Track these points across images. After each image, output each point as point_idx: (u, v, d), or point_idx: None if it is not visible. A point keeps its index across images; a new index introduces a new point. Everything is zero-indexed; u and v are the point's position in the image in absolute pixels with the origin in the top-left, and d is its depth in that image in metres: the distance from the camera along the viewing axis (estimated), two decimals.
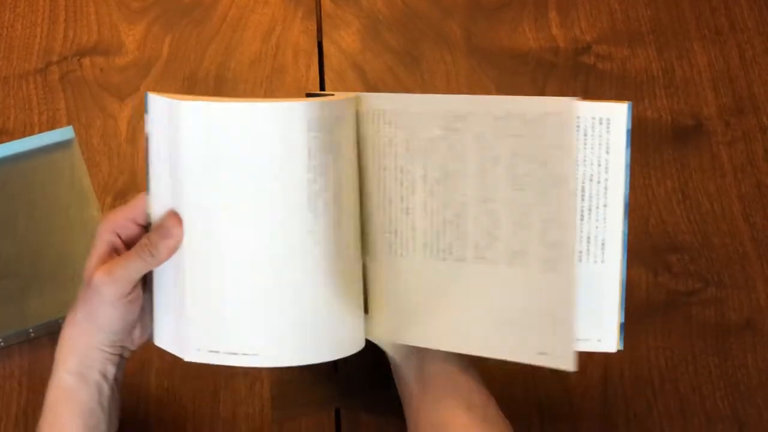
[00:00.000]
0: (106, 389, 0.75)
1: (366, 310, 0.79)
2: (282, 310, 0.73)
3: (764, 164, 1.04)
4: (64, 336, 0.75)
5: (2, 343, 0.92)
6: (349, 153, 0.75)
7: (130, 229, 0.75)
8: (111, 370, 0.76)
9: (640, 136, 1.05)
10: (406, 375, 0.80)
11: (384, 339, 0.80)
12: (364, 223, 0.77)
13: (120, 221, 0.74)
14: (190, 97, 0.72)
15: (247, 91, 1.07)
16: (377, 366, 0.92)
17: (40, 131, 1.03)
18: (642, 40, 1.11)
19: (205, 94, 1.07)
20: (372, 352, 0.91)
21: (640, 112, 1.07)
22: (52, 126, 1.04)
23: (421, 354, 0.79)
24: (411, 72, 1.09)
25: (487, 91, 1.07)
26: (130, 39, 1.09)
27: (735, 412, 0.93)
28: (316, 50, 1.10)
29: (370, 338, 0.80)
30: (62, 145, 1.01)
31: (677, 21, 1.13)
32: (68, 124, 1.03)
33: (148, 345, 0.87)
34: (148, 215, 0.74)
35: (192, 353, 0.75)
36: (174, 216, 0.73)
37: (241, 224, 0.72)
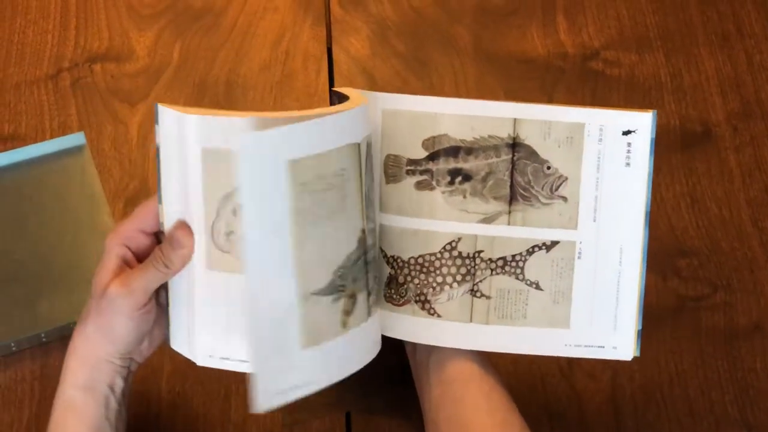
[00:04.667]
0: (113, 403, 0.76)
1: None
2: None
3: None
4: (73, 348, 0.76)
5: (14, 348, 0.92)
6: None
7: (140, 240, 0.75)
8: (119, 383, 0.76)
9: None
10: (426, 372, 0.80)
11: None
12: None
13: (128, 233, 0.75)
14: (197, 110, 0.72)
15: (257, 97, 1.07)
16: (387, 369, 0.93)
17: (52, 137, 1.03)
18: (650, 46, 1.12)
19: (215, 100, 1.07)
20: (381, 355, 0.92)
21: (656, 112, 1.07)
22: (63, 132, 1.04)
23: (442, 351, 0.79)
24: (420, 77, 1.09)
25: (495, 97, 1.07)
26: (140, 45, 1.10)
27: (744, 416, 0.93)
28: (325, 56, 1.10)
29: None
30: (73, 151, 1.01)
31: (685, 27, 1.13)
32: (79, 129, 1.04)
33: (159, 350, 0.87)
34: (161, 224, 0.75)
35: (204, 359, 0.76)
36: (184, 226, 0.73)
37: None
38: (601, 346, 0.78)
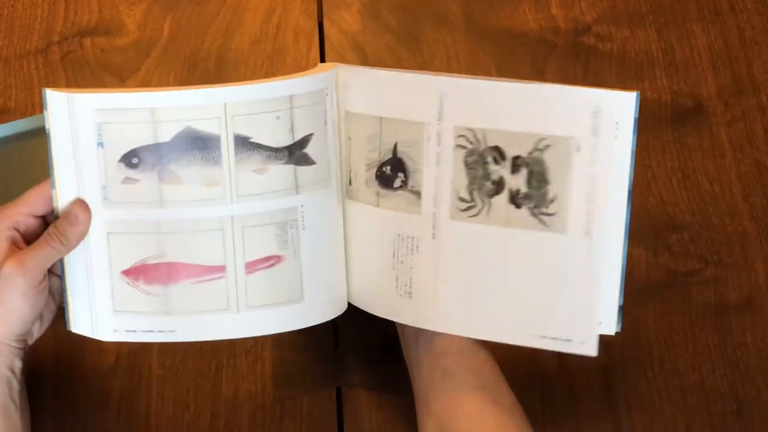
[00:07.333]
0: (15, 384, 0.76)
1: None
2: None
3: (763, 144, 1.05)
4: None
5: None
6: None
7: (29, 223, 0.76)
8: (17, 365, 0.76)
9: (639, 117, 1.04)
10: (416, 347, 0.80)
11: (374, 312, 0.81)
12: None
13: (17, 216, 0.76)
14: (86, 90, 0.75)
15: (248, 71, 1.07)
16: (377, 344, 0.93)
17: (41, 111, 1.02)
18: (642, 21, 1.11)
19: (206, 74, 1.07)
20: (371, 330, 0.92)
21: (639, 93, 1.07)
22: None
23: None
24: (411, 52, 1.09)
25: (487, 72, 1.07)
26: (130, 19, 1.09)
27: (734, 391, 0.93)
28: (316, 31, 1.10)
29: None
30: None
31: (677, 1, 1.13)
32: None
33: None
34: (55, 208, 0.76)
35: (108, 334, 0.78)
36: (80, 203, 0.75)
37: None
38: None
